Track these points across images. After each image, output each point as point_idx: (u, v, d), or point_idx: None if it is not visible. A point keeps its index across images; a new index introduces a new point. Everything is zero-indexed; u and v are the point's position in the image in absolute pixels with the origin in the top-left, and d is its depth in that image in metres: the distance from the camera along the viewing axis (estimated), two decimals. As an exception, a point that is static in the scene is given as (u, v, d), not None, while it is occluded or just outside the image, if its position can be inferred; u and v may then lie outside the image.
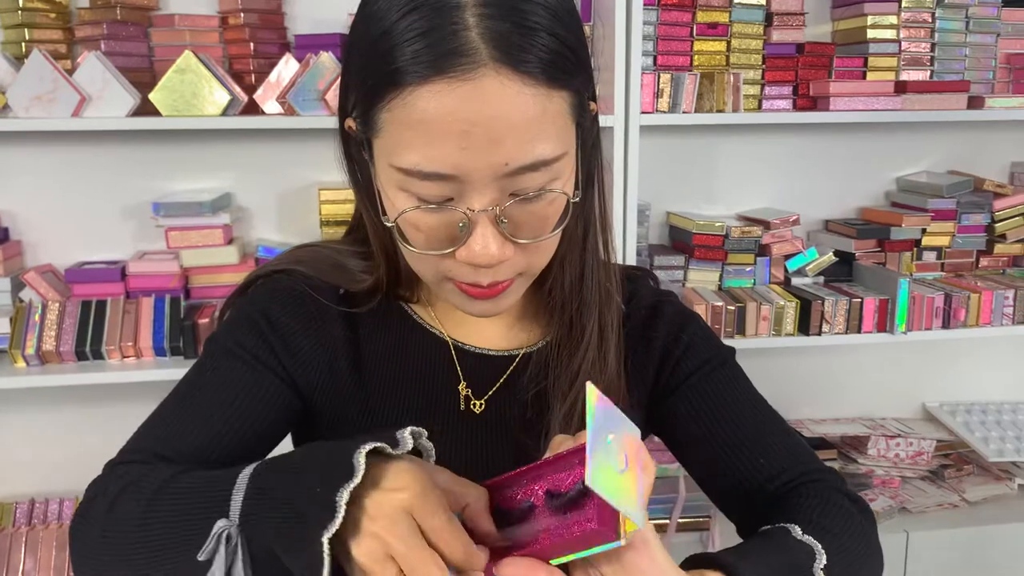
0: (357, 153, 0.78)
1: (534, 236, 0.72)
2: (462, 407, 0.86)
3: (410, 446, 0.64)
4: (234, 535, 0.63)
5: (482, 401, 0.86)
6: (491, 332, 0.89)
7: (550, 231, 0.73)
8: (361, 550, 0.59)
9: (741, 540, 0.82)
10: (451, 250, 0.70)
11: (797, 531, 0.75)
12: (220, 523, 0.63)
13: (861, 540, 0.80)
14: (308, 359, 0.84)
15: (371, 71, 0.67)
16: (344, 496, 0.58)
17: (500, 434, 0.86)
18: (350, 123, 0.75)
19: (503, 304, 0.77)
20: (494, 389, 0.87)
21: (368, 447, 0.61)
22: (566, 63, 0.68)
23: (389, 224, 0.71)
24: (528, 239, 0.72)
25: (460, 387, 0.86)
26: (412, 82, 0.64)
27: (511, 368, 0.87)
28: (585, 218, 0.83)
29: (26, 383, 1.77)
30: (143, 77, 1.84)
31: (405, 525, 0.58)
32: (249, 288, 0.88)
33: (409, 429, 0.65)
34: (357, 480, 0.59)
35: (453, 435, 0.86)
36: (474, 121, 0.64)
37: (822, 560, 0.72)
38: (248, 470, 0.66)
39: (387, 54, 0.65)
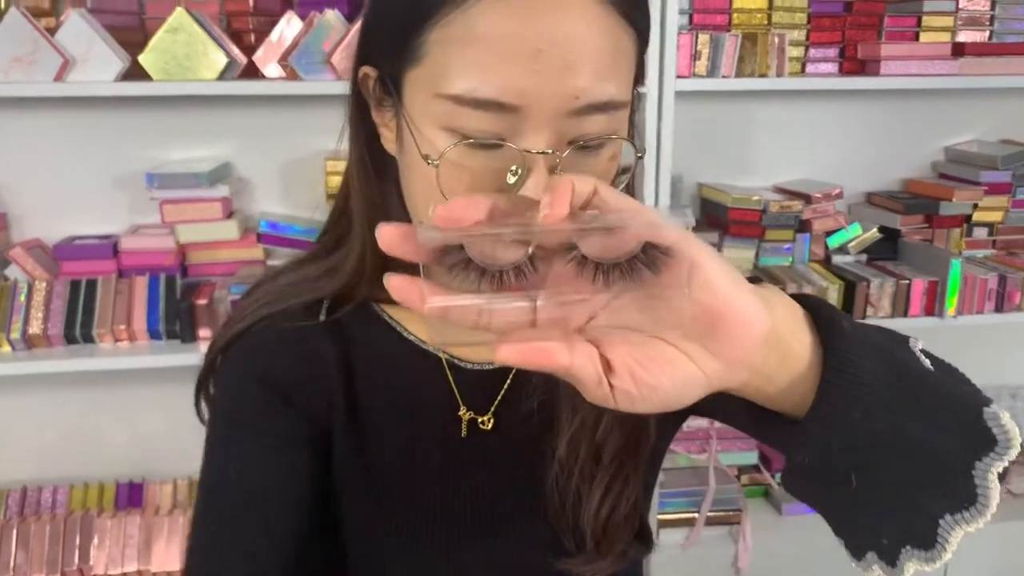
0: (373, 107, 0.69)
1: None
2: (464, 433, 0.77)
3: None
4: None
5: (488, 416, 0.77)
6: None
7: None
8: None
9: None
10: None
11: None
12: None
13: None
14: (314, 408, 0.75)
15: None
16: None
17: (508, 452, 0.78)
18: (367, 71, 0.67)
19: None
20: (496, 404, 0.77)
21: None
22: None
23: (432, 163, 0.59)
24: None
25: (461, 413, 0.77)
26: None
27: (510, 378, 0.77)
28: None
29: (11, 370, 1.65)
30: (134, 37, 1.68)
31: None
32: (223, 357, 0.78)
33: None
34: None
35: (456, 464, 0.77)
36: (551, 39, 0.56)
37: (917, 342, 0.60)
38: None
39: None
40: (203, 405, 0.81)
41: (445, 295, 0.45)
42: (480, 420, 0.77)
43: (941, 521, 0.53)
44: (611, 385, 0.46)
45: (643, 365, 0.46)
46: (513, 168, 0.58)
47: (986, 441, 0.53)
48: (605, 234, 0.44)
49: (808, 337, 0.52)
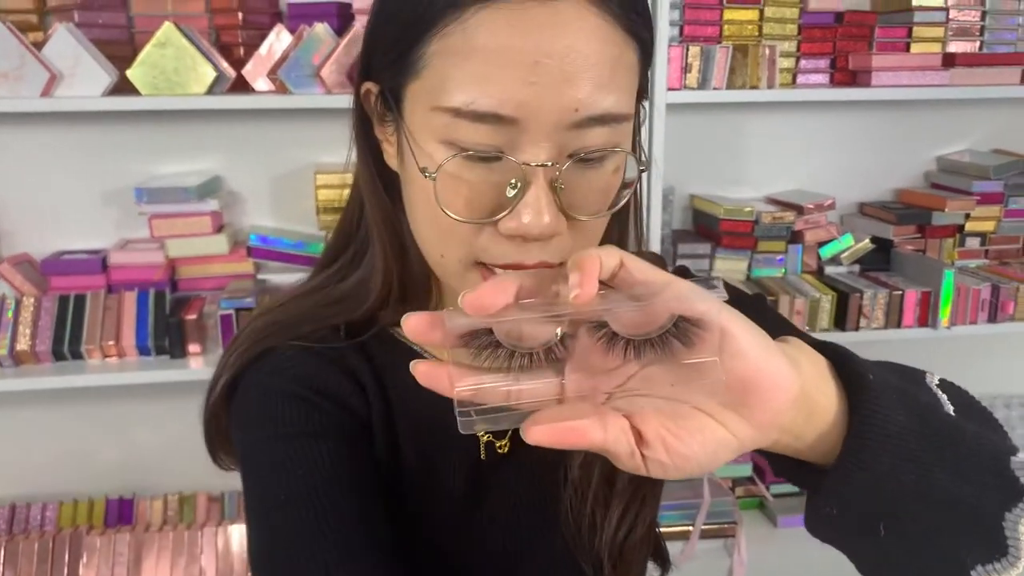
0: (375, 122, 0.68)
1: (590, 212, 0.61)
2: (483, 457, 0.76)
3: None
4: None
5: (505, 441, 0.76)
6: None
7: (606, 208, 0.63)
8: None
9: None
10: (495, 219, 0.59)
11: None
12: None
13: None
14: (361, 415, 0.72)
15: None
16: None
17: (524, 476, 0.77)
18: (369, 87, 0.67)
19: None
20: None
21: None
22: (641, 8, 0.61)
23: (430, 176, 0.58)
24: (584, 215, 0.61)
25: (479, 430, 0.74)
26: (477, 1, 0.56)
27: None
28: (623, 216, 0.74)
29: (-1, 387, 1.63)
30: (122, 51, 1.67)
31: None
32: (235, 388, 0.72)
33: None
34: None
35: (475, 488, 0.76)
36: (548, 51, 0.55)
37: (934, 377, 0.61)
38: None
39: None
40: (216, 448, 0.78)
41: (472, 377, 0.45)
42: (498, 445, 0.76)
43: (972, 572, 0.52)
44: (642, 455, 0.47)
45: (675, 435, 0.47)
46: (512, 181, 0.58)
47: (1015, 492, 0.52)
48: (635, 309, 0.44)
49: (833, 390, 0.52)
